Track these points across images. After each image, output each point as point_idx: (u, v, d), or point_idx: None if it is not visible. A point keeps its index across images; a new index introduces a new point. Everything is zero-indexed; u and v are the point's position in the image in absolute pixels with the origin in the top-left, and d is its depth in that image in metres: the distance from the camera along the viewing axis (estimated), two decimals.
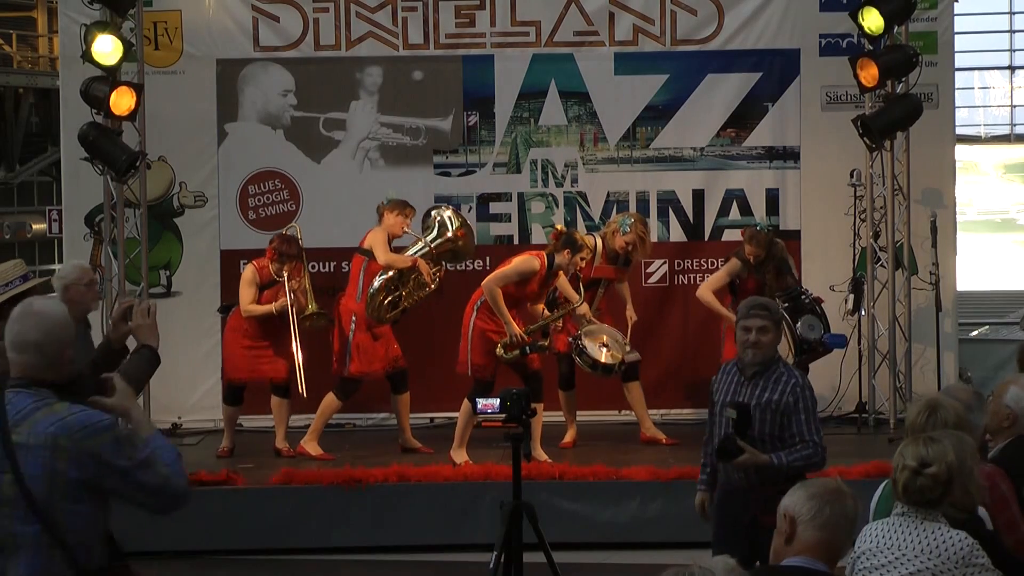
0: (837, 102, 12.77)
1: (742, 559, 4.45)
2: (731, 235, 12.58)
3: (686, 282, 12.84)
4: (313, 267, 12.01)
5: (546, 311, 11.14)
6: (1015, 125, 34.28)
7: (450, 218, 11.55)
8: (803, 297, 11.56)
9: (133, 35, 11.94)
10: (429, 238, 11.43)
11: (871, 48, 11.95)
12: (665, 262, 12.79)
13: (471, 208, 12.79)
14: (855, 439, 11.87)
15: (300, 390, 11.16)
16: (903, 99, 11.93)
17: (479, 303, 10.83)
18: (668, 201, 12.89)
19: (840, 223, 12.53)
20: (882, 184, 12.27)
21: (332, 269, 12.60)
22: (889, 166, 12.17)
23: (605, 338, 11.30)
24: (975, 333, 17.00)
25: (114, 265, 11.95)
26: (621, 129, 12.88)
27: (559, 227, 11.32)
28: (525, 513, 7.70)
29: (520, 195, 12.91)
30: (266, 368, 11.34)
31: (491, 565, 7.63)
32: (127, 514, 4.80)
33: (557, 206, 12.87)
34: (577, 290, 11.20)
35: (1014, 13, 33.94)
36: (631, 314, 11.76)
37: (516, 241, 12.79)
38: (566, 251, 10.78)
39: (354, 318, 11.21)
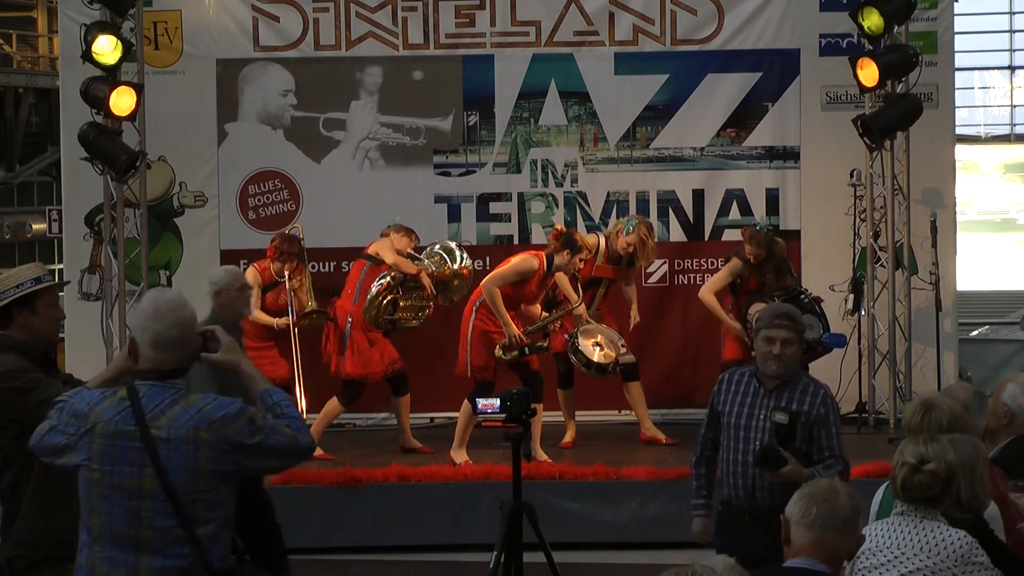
0: (837, 102, 12.78)
1: None
2: (731, 235, 12.59)
3: (686, 282, 12.84)
4: (313, 267, 12.01)
5: (543, 312, 11.14)
6: (1015, 125, 34.33)
7: (460, 252, 11.50)
8: (803, 297, 11.56)
9: (133, 35, 11.94)
10: (432, 260, 11.40)
11: (871, 48, 11.95)
12: (665, 262, 12.79)
13: (471, 208, 12.82)
14: (855, 439, 11.85)
15: (298, 397, 11.14)
16: (903, 99, 11.94)
17: (478, 303, 10.83)
18: (668, 201, 12.90)
19: (840, 223, 12.53)
20: (882, 184, 12.28)
21: (332, 269, 12.61)
22: (889, 166, 12.17)
23: (600, 337, 11.29)
24: (975, 333, 17.02)
25: (114, 265, 11.96)
26: (621, 129, 12.88)
27: (559, 227, 11.32)
28: (525, 513, 7.70)
29: (520, 195, 12.91)
30: (268, 369, 11.30)
31: (491, 565, 7.63)
32: None
33: (557, 206, 12.87)
34: (576, 290, 11.20)
35: (1014, 13, 33.99)
36: (635, 315, 11.76)
37: (516, 241, 12.79)
38: (565, 251, 10.77)
39: (350, 319, 11.22)
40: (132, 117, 11.63)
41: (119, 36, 11.44)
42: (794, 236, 12.69)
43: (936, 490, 5.09)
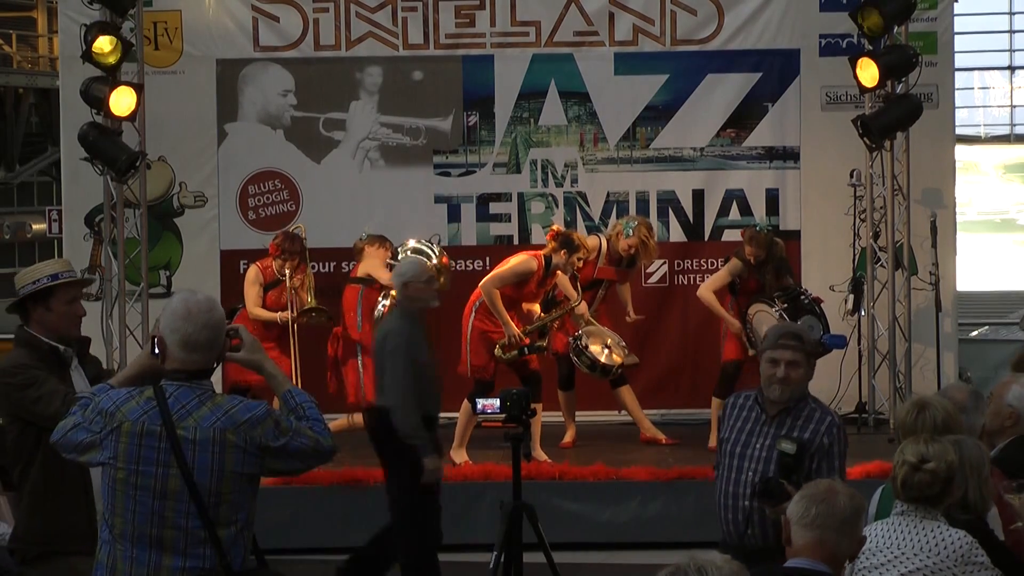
0: (837, 102, 12.78)
1: None
2: (731, 235, 12.58)
3: (686, 282, 12.84)
4: (313, 267, 11.98)
5: (541, 312, 11.14)
6: (1015, 125, 34.34)
7: (430, 247, 11.27)
8: (802, 297, 11.55)
9: (133, 35, 11.93)
10: None
11: (871, 48, 11.94)
12: (665, 262, 12.78)
13: (471, 208, 12.82)
14: (855, 439, 11.76)
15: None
16: (903, 99, 11.93)
17: (477, 304, 10.84)
18: (668, 201, 12.90)
19: (840, 223, 12.53)
20: (882, 184, 12.27)
21: (332, 269, 12.60)
22: (889, 166, 12.16)
23: (609, 340, 11.31)
24: (975, 333, 17.02)
25: (114, 265, 11.95)
26: (621, 129, 12.88)
27: (556, 227, 11.32)
28: (525, 513, 7.71)
29: (520, 195, 12.91)
30: None
31: (491, 565, 7.64)
32: None
33: (557, 206, 12.87)
34: (576, 290, 11.19)
35: (1014, 13, 34.01)
36: (631, 315, 11.75)
37: (516, 241, 12.79)
38: (562, 251, 10.78)
39: (359, 348, 11.04)
40: (132, 117, 11.62)
41: (119, 36, 11.44)
42: (794, 236, 12.69)
43: (936, 490, 5.09)
